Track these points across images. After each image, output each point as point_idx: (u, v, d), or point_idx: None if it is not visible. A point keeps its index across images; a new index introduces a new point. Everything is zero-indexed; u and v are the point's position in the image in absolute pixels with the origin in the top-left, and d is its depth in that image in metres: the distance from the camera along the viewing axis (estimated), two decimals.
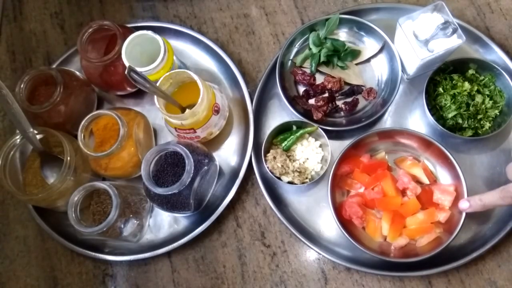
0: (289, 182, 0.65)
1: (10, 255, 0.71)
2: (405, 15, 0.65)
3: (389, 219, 0.61)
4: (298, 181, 0.64)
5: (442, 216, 0.60)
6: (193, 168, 0.58)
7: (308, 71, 0.71)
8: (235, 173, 0.68)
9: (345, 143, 0.64)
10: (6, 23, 0.85)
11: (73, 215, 0.59)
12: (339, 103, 0.70)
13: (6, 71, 0.81)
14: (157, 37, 0.64)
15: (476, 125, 0.64)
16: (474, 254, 0.61)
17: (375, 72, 0.72)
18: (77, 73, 0.71)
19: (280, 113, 0.72)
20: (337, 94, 0.70)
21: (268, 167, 0.64)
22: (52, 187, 0.61)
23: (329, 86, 0.69)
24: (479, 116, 0.64)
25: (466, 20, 0.73)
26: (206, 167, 0.62)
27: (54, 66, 0.76)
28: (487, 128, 0.64)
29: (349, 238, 0.59)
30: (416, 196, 0.62)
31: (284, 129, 0.68)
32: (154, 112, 0.73)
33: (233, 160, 0.71)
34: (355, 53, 0.71)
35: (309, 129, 0.66)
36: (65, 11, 0.84)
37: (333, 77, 0.70)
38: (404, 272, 0.61)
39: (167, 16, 0.80)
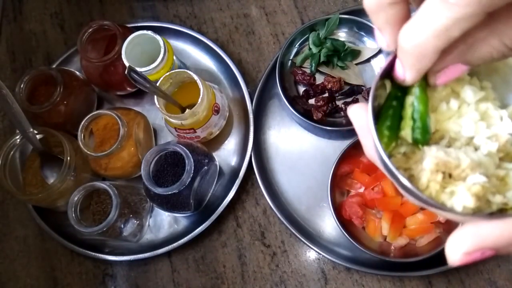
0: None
1: (10, 255, 0.71)
2: None
3: (389, 219, 0.61)
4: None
5: (442, 216, 0.60)
6: (193, 168, 0.58)
7: (308, 71, 0.71)
8: (235, 173, 0.68)
9: (345, 143, 0.64)
10: (6, 23, 0.84)
11: (73, 215, 0.59)
12: (339, 103, 0.70)
13: (6, 71, 0.81)
14: (157, 37, 0.64)
15: None
16: None
17: (375, 72, 0.71)
18: (77, 73, 0.71)
19: (280, 113, 0.72)
20: (337, 94, 0.70)
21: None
22: (52, 187, 0.61)
23: (329, 86, 0.69)
24: None
25: None
26: (206, 167, 0.62)
27: (54, 66, 0.76)
28: None
29: (349, 238, 0.59)
30: None
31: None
32: (154, 112, 0.73)
33: (233, 160, 0.71)
34: (355, 53, 0.71)
35: None
36: (65, 11, 0.84)
37: (333, 77, 0.70)
38: (404, 272, 0.61)
39: (167, 16, 0.80)
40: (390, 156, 0.29)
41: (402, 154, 0.29)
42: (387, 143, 0.28)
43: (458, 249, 0.26)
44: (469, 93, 0.29)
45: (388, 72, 0.29)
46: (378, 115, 0.29)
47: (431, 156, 0.27)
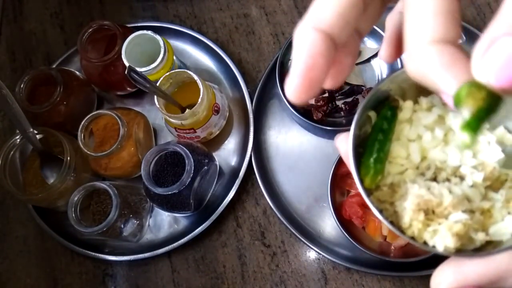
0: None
1: (10, 255, 0.71)
2: None
3: None
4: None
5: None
6: (193, 168, 0.58)
7: None
8: (235, 173, 0.68)
9: None
10: (6, 23, 0.85)
11: (73, 215, 0.59)
12: (339, 103, 0.70)
13: (6, 71, 0.81)
14: (157, 37, 0.64)
15: None
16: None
17: (375, 72, 0.72)
18: (77, 73, 0.71)
19: (280, 113, 0.72)
20: (337, 94, 0.70)
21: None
22: (52, 187, 0.61)
23: None
24: None
25: (466, 20, 0.73)
26: (206, 167, 0.62)
27: (54, 66, 0.76)
28: None
29: (349, 238, 0.59)
30: None
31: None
32: (154, 112, 0.73)
33: (233, 160, 0.71)
34: None
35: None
36: (65, 11, 0.84)
37: None
38: (404, 272, 0.61)
39: (167, 16, 0.80)
40: (377, 187, 0.29)
41: (388, 187, 0.29)
42: (373, 176, 0.28)
43: (441, 286, 0.26)
44: (453, 120, 0.28)
45: (372, 103, 0.29)
46: (364, 143, 0.29)
47: (413, 195, 0.27)
